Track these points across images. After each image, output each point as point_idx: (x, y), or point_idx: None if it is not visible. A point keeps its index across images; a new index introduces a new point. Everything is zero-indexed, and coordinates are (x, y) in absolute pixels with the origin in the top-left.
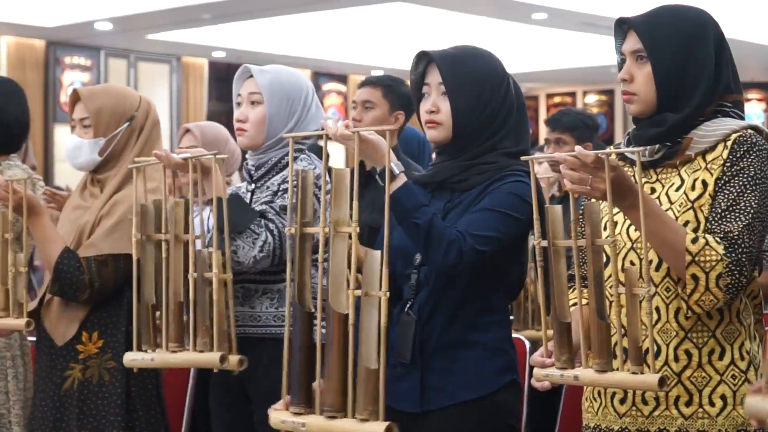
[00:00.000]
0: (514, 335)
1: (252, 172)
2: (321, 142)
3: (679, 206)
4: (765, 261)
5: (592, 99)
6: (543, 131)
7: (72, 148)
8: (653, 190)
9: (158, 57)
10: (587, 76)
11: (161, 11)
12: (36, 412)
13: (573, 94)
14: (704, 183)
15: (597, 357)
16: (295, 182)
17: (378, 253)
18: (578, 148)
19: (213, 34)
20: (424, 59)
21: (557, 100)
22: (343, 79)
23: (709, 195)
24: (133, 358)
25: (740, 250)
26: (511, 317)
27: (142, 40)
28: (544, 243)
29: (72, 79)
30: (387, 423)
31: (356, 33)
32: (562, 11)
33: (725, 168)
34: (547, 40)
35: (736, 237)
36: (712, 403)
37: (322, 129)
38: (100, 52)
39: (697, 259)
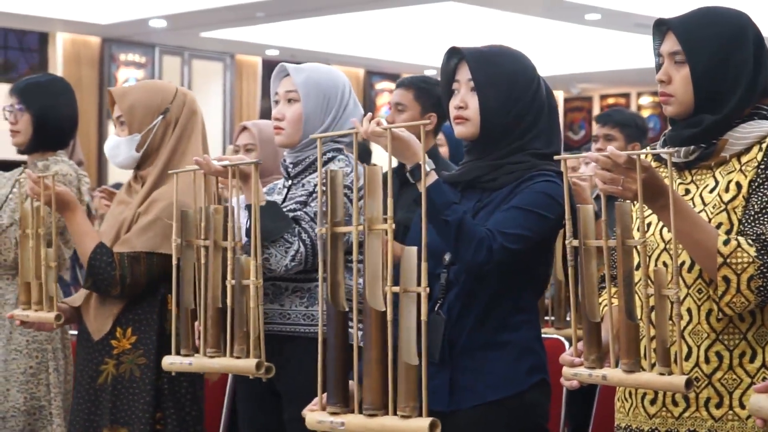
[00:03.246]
0: (554, 336)
1: (289, 169)
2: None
3: (713, 208)
4: None
5: (646, 101)
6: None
7: (111, 148)
8: (687, 192)
9: (212, 55)
10: (641, 78)
11: (215, 9)
12: (75, 404)
13: (627, 96)
14: (738, 185)
15: (625, 357)
16: (324, 181)
17: (414, 249)
18: (611, 147)
19: (267, 32)
20: (455, 56)
21: (611, 101)
22: (395, 78)
23: (743, 197)
24: (171, 362)
25: None
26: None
27: (196, 37)
28: (575, 243)
29: (126, 76)
30: (431, 419)
31: (409, 32)
32: (616, 12)
33: (759, 170)
34: (600, 41)
35: None
36: (742, 406)
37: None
38: (154, 49)
39: (728, 261)
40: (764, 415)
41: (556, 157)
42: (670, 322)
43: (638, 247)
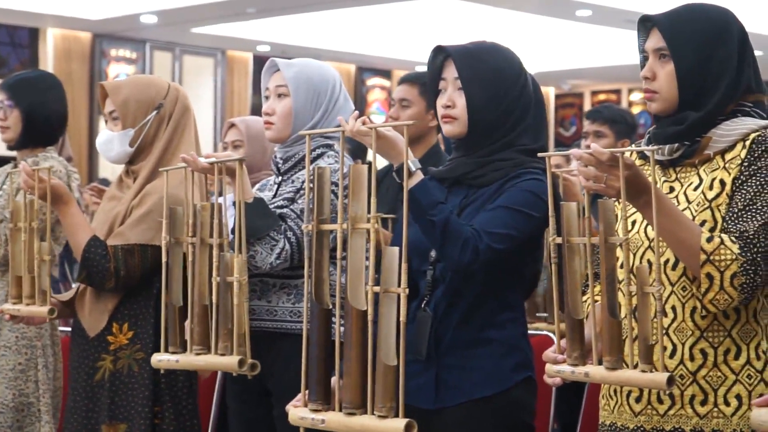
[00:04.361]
0: (543, 332)
1: (279, 165)
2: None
3: (697, 206)
4: None
5: (637, 97)
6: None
7: (103, 142)
8: (672, 189)
9: (203, 50)
10: (632, 74)
11: (206, 5)
12: (70, 402)
13: (618, 92)
14: (722, 182)
15: (608, 354)
16: (311, 179)
17: (396, 249)
18: (593, 145)
19: (258, 28)
20: (441, 54)
21: (602, 97)
22: (386, 74)
23: (727, 195)
24: (159, 359)
25: (755, 249)
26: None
27: (187, 33)
28: (559, 240)
29: (117, 71)
30: (407, 420)
31: (400, 28)
32: (607, 8)
33: (743, 167)
34: (591, 37)
35: (751, 236)
36: (727, 403)
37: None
38: (145, 44)
39: (711, 258)
40: None
41: (540, 154)
42: (654, 319)
43: (621, 244)
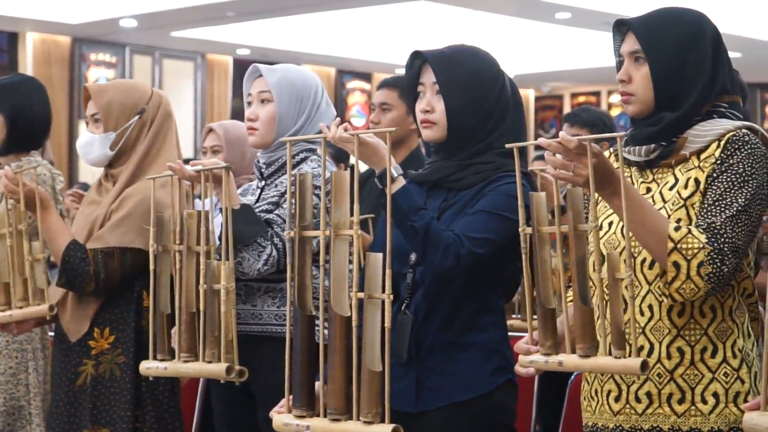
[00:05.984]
0: (524, 334)
1: (262, 170)
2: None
3: (672, 204)
4: (764, 261)
5: (616, 98)
6: None
7: (84, 144)
8: (649, 190)
9: (183, 54)
10: (612, 76)
11: (186, 8)
12: (53, 407)
13: (597, 94)
14: (696, 181)
15: (580, 342)
16: (293, 185)
17: (379, 255)
18: (562, 133)
19: (238, 31)
20: (418, 59)
21: (582, 99)
22: (367, 77)
23: (701, 193)
24: (148, 367)
25: (722, 240)
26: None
27: (167, 37)
28: (529, 230)
29: (97, 75)
30: (393, 425)
31: (380, 31)
32: (586, 11)
33: (716, 165)
34: (571, 39)
35: (718, 227)
36: (704, 401)
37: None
38: (125, 48)
39: (679, 246)
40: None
41: (507, 145)
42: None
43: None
